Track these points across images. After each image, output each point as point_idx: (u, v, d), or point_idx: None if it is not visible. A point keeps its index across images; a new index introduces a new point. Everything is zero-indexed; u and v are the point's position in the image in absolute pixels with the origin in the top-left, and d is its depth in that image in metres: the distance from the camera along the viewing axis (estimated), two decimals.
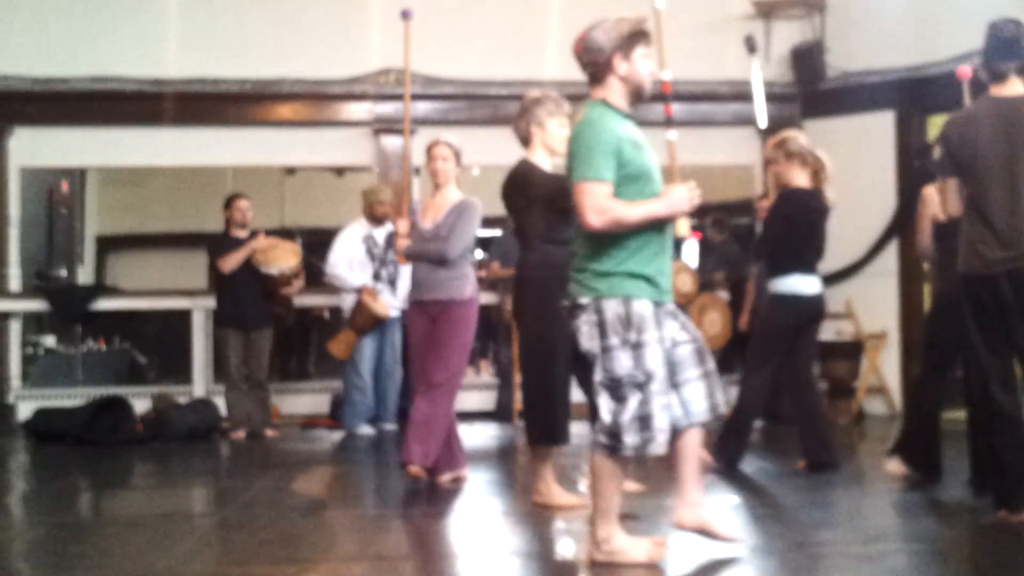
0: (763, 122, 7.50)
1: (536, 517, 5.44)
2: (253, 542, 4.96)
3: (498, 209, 6.41)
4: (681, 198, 4.20)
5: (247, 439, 8.96)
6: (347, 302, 9.29)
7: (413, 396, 6.43)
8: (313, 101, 10.55)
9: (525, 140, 5.81)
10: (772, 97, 10.84)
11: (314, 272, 10.00)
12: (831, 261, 10.17)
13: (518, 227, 5.78)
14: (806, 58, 10.65)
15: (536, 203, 5.58)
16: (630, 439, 4.11)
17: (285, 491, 6.56)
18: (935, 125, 9.37)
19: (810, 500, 5.90)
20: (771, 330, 6.72)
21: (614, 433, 4.12)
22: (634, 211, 4.13)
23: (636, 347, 4.12)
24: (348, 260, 9.23)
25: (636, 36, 4.36)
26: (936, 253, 6.29)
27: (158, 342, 12.32)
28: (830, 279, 10.27)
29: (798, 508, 5.64)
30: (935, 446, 6.18)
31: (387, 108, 10.58)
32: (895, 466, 6.35)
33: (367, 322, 8.99)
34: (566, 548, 4.80)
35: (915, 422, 6.29)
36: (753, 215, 7.02)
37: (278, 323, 9.49)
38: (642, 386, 4.12)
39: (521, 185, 5.68)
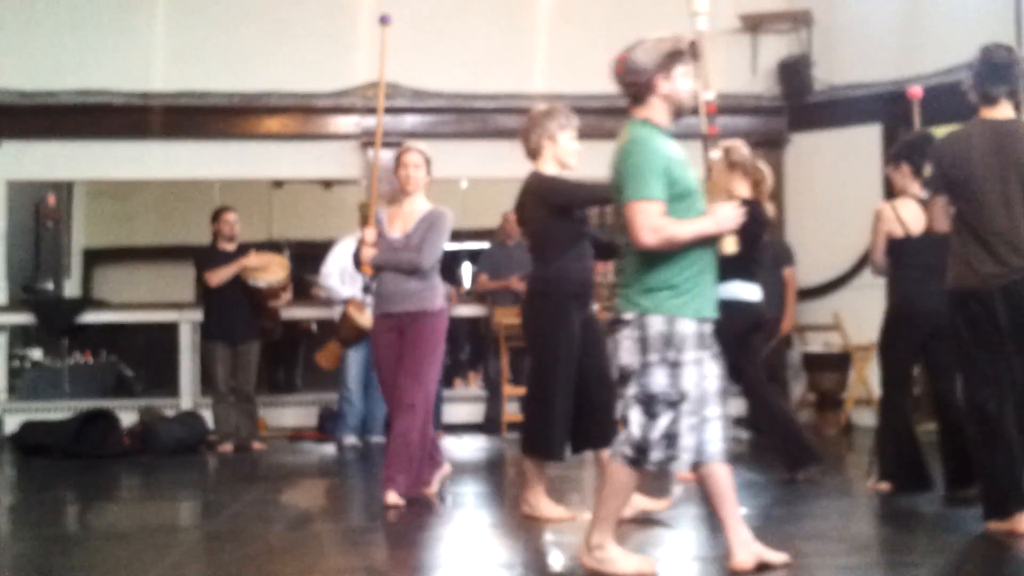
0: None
1: (524, 529, 5.43)
2: (240, 555, 4.95)
3: (486, 221, 6.43)
4: (728, 216, 4.28)
5: (234, 452, 8.93)
6: (337, 313, 9.29)
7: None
8: (301, 114, 10.55)
9: (534, 153, 5.74)
10: (759, 111, 10.90)
11: (302, 285, 9.98)
12: (819, 273, 10.26)
13: (533, 241, 5.70)
14: (793, 72, 10.68)
15: (553, 213, 5.54)
16: (655, 455, 4.17)
17: (272, 504, 6.54)
18: None
19: (796, 512, 5.90)
20: (728, 337, 6.72)
21: (641, 448, 4.17)
22: (686, 228, 4.19)
23: (674, 366, 4.16)
24: (340, 272, 9.24)
25: (676, 55, 4.41)
26: (889, 269, 6.35)
27: (145, 355, 12.27)
28: (818, 291, 10.35)
29: (784, 520, 5.64)
30: (918, 459, 6.18)
31: (375, 121, 10.57)
32: (881, 485, 6.33)
33: (351, 334, 8.96)
34: (554, 560, 4.79)
35: (890, 441, 6.28)
36: None
37: (266, 336, 9.46)
38: (674, 405, 4.16)
39: (537, 196, 5.61)
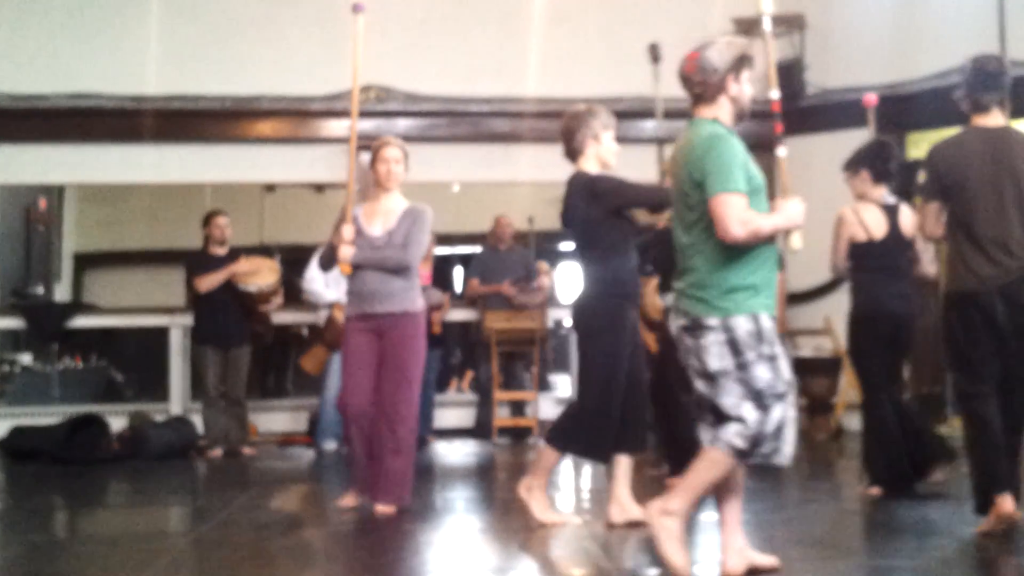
0: (663, 132, 7.49)
1: (515, 534, 5.42)
2: (230, 560, 4.94)
3: (478, 226, 6.42)
4: (798, 211, 4.32)
5: (224, 457, 8.91)
6: (322, 318, 9.28)
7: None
8: (293, 118, 10.52)
9: (576, 152, 5.67)
10: (752, 114, 10.86)
11: (293, 289, 9.97)
12: (809, 278, 10.25)
13: (584, 242, 5.60)
14: (786, 75, 10.67)
15: (608, 214, 5.52)
16: (765, 448, 4.16)
17: (262, 509, 6.51)
18: (913, 143, 9.42)
19: (785, 517, 5.89)
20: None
21: (756, 441, 4.14)
22: (767, 221, 4.22)
23: (771, 359, 4.18)
24: (324, 276, 9.21)
25: (744, 59, 4.45)
26: (851, 272, 6.44)
27: (135, 360, 12.26)
28: (809, 295, 10.33)
29: (773, 524, 5.63)
30: (905, 461, 6.21)
31: (368, 125, 10.56)
32: (873, 489, 6.33)
33: (337, 338, 8.96)
34: (545, 565, 4.78)
35: (875, 445, 6.32)
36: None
37: (257, 341, 9.44)
38: (782, 396, 4.18)
39: (591, 195, 5.53)
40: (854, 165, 6.53)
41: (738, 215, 4.14)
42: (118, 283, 14.42)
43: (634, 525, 5.36)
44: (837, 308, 10.00)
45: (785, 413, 4.17)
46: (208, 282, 8.95)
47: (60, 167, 10.68)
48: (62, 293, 13.65)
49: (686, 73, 4.42)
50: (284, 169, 10.87)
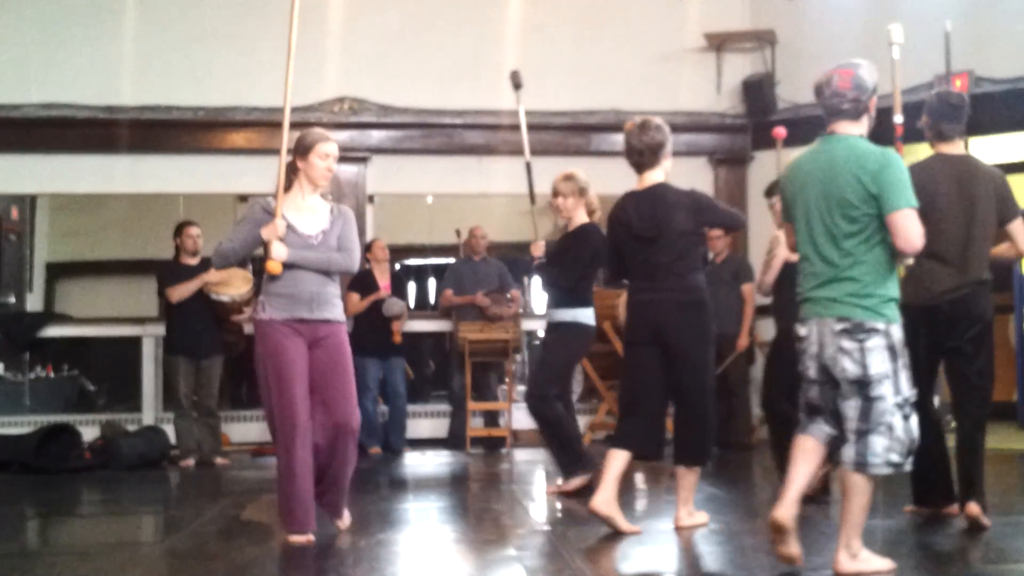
0: (527, 156, 7.69)
1: (488, 544, 5.44)
2: (202, 571, 4.93)
3: (450, 237, 6.47)
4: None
5: (197, 467, 8.90)
6: None
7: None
8: (267, 129, 10.52)
9: (653, 164, 5.74)
10: (723, 128, 11.00)
11: None
12: None
13: (676, 254, 5.63)
14: (757, 90, 10.78)
15: (700, 230, 5.77)
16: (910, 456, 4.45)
17: (235, 520, 6.49)
18: None
19: (757, 526, 5.93)
20: (576, 357, 7.38)
21: (910, 451, 4.43)
22: None
23: (908, 369, 4.47)
24: None
25: (876, 85, 4.67)
26: (776, 291, 6.59)
27: (107, 369, 12.19)
28: None
29: (742, 535, 5.66)
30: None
31: (342, 136, 10.56)
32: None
33: None
34: (519, 574, 4.80)
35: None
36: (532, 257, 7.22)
37: (229, 351, 9.42)
38: (914, 404, 4.48)
39: (691, 210, 5.66)
40: (772, 193, 6.74)
41: (918, 229, 4.42)
42: (90, 293, 14.35)
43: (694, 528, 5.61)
44: None
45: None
46: (180, 292, 8.94)
47: (32, 177, 10.67)
48: (34, 303, 13.56)
49: (840, 89, 4.56)
50: (257, 180, 10.82)
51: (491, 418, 10.36)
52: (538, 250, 7.32)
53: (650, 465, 6.95)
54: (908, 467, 4.43)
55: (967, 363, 5.57)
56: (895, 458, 4.37)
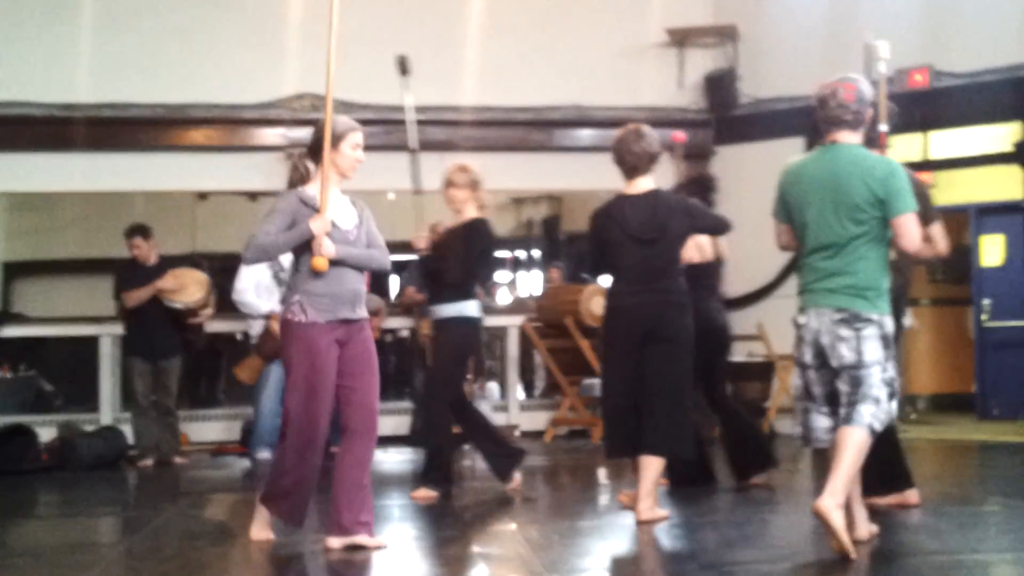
0: (414, 145, 7.62)
1: (450, 542, 5.41)
2: (159, 571, 4.89)
3: (409, 234, 6.46)
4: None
5: (156, 467, 8.82)
6: (255, 328, 9.19)
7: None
8: (226, 126, 10.46)
9: (645, 170, 5.94)
10: (686, 123, 10.98)
11: (226, 297, 9.87)
12: (742, 284, 10.35)
13: (670, 256, 5.89)
14: (719, 85, 10.81)
15: (691, 230, 6.03)
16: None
17: (194, 519, 6.45)
18: None
19: (717, 520, 5.95)
20: (468, 351, 7.23)
21: (884, 423, 4.78)
22: None
23: (894, 357, 4.87)
24: (255, 286, 9.13)
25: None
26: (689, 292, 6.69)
27: (65, 369, 12.08)
28: (742, 301, 10.43)
29: (707, 527, 5.67)
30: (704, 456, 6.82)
31: (301, 133, 10.49)
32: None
33: (274, 348, 8.88)
34: (480, 573, 4.77)
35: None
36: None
37: (188, 348, 9.34)
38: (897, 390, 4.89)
39: (686, 215, 5.93)
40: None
41: (918, 232, 4.82)
42: (48, 292, 14.23)
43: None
44: (769, 314, 10.15)
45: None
46: (134, 298, 8.84)
47: None
48: None
49: (845, 101, 4.86)
50: (217, 177, 10.80)
51: None
52: (421, 242, 7.17)
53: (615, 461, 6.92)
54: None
55: None
56: (876, 425, 4.70)
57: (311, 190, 5.18)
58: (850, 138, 4.88)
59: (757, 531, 5.71)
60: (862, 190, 4.73)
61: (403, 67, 7.37)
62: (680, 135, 7.18)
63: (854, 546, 4.61)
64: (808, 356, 4.82)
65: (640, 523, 5.57)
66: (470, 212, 6.98)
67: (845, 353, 4.72)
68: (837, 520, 4.56)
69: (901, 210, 4.74)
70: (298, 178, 5.38)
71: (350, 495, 5.16)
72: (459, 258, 6.85)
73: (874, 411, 4.70)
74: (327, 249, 5.01)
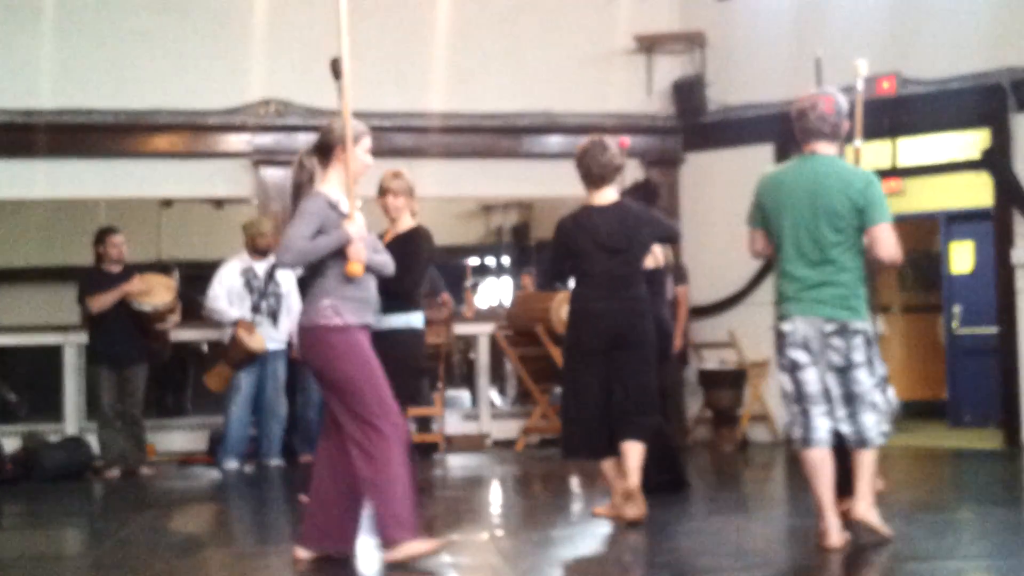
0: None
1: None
2: None
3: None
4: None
5: (122, 477, 8.70)
6: (227, 335, 9.12)
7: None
8: (190, 132, 10.35)
9: (607, 182, 6.09)
10: (654, 130, 11.00)
11: (192, 306, 9.77)
12: (714, 292, 10.35)
13: (633, 268, 6.06)
14: (687, 92, 10.79)
15: (654, 240, 6.23)
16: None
17: (161, 530, 6.38)
18: None
19: (691, 527, 5.92)
20: (419, 363, 6.90)
21: (893, 418, 5.13)
22: None
23: (878, 354, 5.11)
24: (227, 293, 9.07)
25: None
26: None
27: (28, 379, 11.95)
28: (713, 309, 10.43)
29: (678, 536, 5.66)
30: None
31: (267, 139, 10.44)
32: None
33: (241, 356, 8.82)
34: None
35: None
36: None
37: (154, 358, 9.23)
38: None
39: (650, 226, 6.11)
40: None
41: (895, 240, 4.99)
42: (10, 301, 14.04)
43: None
44: (741, 321, 10.16)
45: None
46: (100, 302, 8.73)
47: None
48: None
49: (825, 113, 5.07)
50: (181, 184, 10.66)
51: (424, 424, 10.26)
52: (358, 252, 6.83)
53: (585, 467, 6.89)
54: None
55: None
56: (885, 428, 4.99)
57: (332, 193, 5.08)
58: (828, 149, 5.07)
59: (731, 538, 5.68)
60: (842, 199, 4.91)
61: (336, 70, 7.05)
62: (625, 140, 7.15)
63: (828, 553, 4.69)
64: (801, 355, 4.98)
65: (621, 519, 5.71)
66: (406, 220, 6.70)
67: (834, 358, 4.96)
68: (874, 518, 4.98)
69: (878, 219, 4.92)
70: (306, 178, 5.21)
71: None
72: (408, 267, 6.46)
73: (876, 419, 4.96)
74: (361, 255, 4.97)
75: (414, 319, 6.59)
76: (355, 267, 4.94)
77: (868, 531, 4.96)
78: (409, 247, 6.50)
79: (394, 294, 6.37)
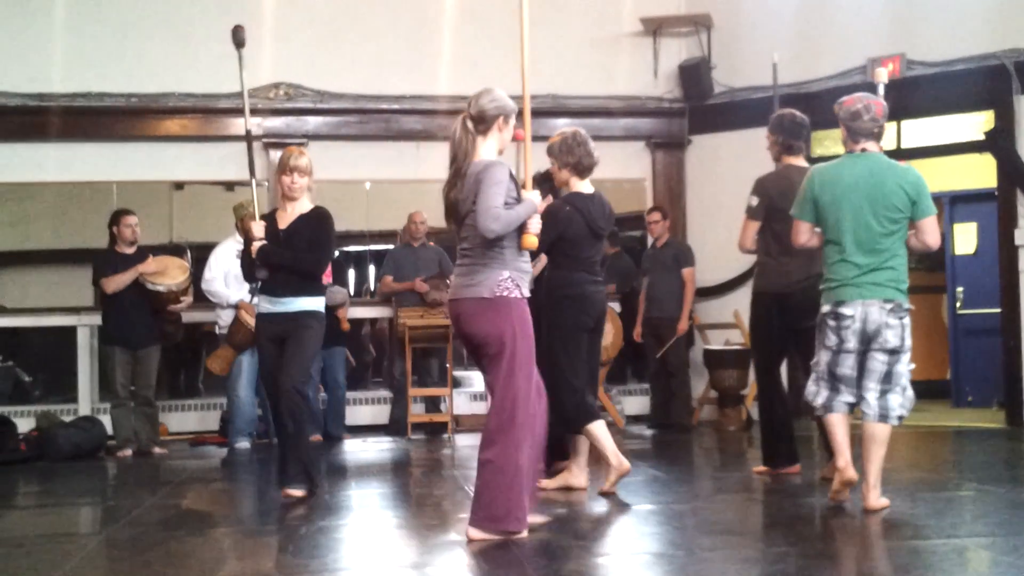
0: (249, 126, 7.11)
1: (429, 530, 5.44)
2: (139, 561, 4.89)
3: (388, 223, 6.42)
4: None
5: (134, 457, 8.81)
6: (224, 318, 9.20)
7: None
8: (201, 115, 10.44)
9: (592, 171, 6.46)
10: (660, 112, 11.04)
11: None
12: (719, 272, 10.41)
13: (602, 251, 6.50)
14: (693, 74, 10.84)
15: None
16: None
17: (173, 509, 6.45)
18: (817, 141, 9.62)
19: (697, 507, 5.99)
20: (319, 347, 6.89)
21: (909, 406, 5.56)
22: None
23: None
24: (224, 275, 9.14)
25: None
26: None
27: (42, 360, 12.04)
28: (719, 289, 10.49)
29: (684, 515, 5.72)
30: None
31: (277, 122, 10.52)
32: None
33: (245, 338, 8.88)
34: (459, 560, 4.80)
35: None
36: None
37: (167, 340, 9.33)
38: None
39: (612, 213, 6.51)
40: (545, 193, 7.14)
41: (938, 231, 5.62)
42: (24, 283, 14.12)
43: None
44: (746, 302, 10.20)
45: None
46: (115, 283, 8.83)
47: None
48: None
49: (878, 116, 5.57)
50: (192, 167, 10.76)
51: (432, 404, 10.35)
52: (260, 231, 6.48)
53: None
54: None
55: (811, 343, 5.90)
56: (904, 412, 5.51)
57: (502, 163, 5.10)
58: (875, 147, 5.60)
59: (737, 516, 5.76)
60: (899, 193, 5.45)
61: (238, 38, 6.85)
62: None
63: (832, 535, 4.74)
64: (852, 343, 5.48)
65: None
66: (305, 201, 6.54)
67: (891, 338, 5.45)
68: (885, 502, 5.44)
69: (929, 211, 5.51)
70: (469, 143, 5.14)
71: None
72: (325, 247, 6.50)
73: (901, 401, 5.49)
74: (539, 226, 5.07)
75: (321, 303, 6.52)
76: (531, 239, 5.03)
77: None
78: (321, 228, 6.48)
79: (308, 275, 6.43)
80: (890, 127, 10.15)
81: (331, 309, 9.79)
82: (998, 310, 9.85)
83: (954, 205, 11.14)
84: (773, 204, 6.55)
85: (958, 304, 11.08)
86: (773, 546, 4.94)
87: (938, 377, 11.65)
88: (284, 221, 6.53)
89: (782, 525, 5.50)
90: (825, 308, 5.59)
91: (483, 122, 5.14)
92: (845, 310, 5.48)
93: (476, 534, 4.95)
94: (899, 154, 10.24)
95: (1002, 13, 9.53)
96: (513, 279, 5.00)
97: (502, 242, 4.98)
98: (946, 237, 11.28)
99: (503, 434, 4.91)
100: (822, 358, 5.62)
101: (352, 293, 11.92)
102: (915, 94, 9.78)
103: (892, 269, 5.48)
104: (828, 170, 5.62)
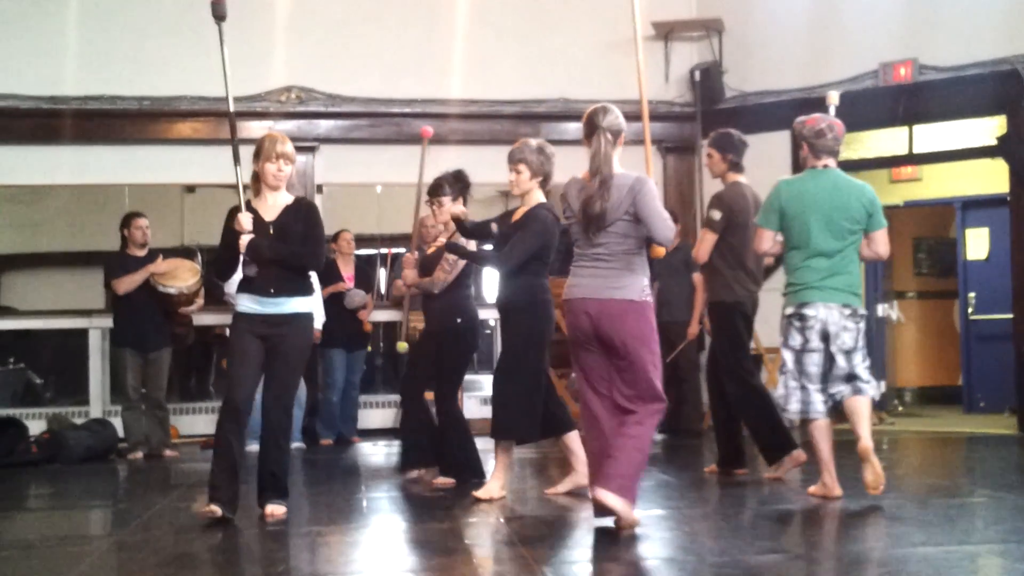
0: (231, 106, 6.63)
1: (439, 535, 5.44)
2: (150, 563, 4.89)
3: (400, 227, 6.42)
4: None
5: (145, 459, 8.83)
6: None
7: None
8: (213, 119, 10.45)
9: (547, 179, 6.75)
10: (672, 116, 11.03)
11: (215, 290, 9.88)
12: None
13: (545, 260, 6.54)
14: (705, 78, 10.83)
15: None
16: None
17: (184, 512, 6.45)
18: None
19: (707, 512, 5.98)
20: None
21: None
22: None
23: None
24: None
25: None
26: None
27: (54, 362, 12.07)
28: None
29: (693, 519, 5.71)
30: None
31: (289, 125, 10.53)
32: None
33: None
34: (468, 563, 4.81)
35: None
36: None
37: (178, 342, 9.35)
38: None
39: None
40: (437, 191, 7.50)
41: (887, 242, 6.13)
42: (36, 285, 14.16)
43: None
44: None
45: None
46: (127, 284, 8.85)
47: None
48: None
49: (839, 135, 6.07)
50: (204, 170, 10.76)
51: None
52: (249, 223, 5.99)
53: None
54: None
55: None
56: (875, 394, 6.03)
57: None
58: (833, 164, 6.08)
59: (746, 520, 5.76)
60: (857, 206, 5.94)
61: (218, 12, 6.36)
62: (427, 130, 7.46)
63: (841, 534, 4.72)
64: (815, 341, 5.92)
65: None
66: (284, 190, 6.16)
67: (847, 340, 5.93)
68: (874, 458, 5.79)
69: (881, 224, 6.03)
70: (611, 156, 5.51)
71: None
72: (319, 242, 6.09)
73: (874, 385, 6.02)
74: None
75: (311, 303, 6.18)
76: (661, 249, 5.49)
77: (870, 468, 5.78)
78: (313, 220, 6.04)
79: (305, 271, 6.03)
80: (902, 132, 10.16)
81: (353, 312, 9.85)
82: (1010, 316, 9.83)
83: (966, 210, 11.11)
84: (731, 219, 6.92)
85: (970, 310, 11.06)
86: (784, 552, 4.94)
87: (950, 383, 11.63)
88: (268, 213, 6.04)
89: (794, 530, 5.49)
90: (788, 310, 6.03)
91: (617, 136, 5.53)
92: (808, 311, 5.94)
93: (610, 499, 5.13)
94: (912, 159, 10.24)
95: (1015, 18, 9.51)
96: (647, 287, 5.46)
97: (641, 251, 5.43)
98: (958, 242, 11.26)
99: (651, 417, 5.33)
100: (788, 359, 6.03)
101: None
102: (927, 99, 9.77)
103: (849, 274, 5.98)
104: (794, 184, 6.09)
